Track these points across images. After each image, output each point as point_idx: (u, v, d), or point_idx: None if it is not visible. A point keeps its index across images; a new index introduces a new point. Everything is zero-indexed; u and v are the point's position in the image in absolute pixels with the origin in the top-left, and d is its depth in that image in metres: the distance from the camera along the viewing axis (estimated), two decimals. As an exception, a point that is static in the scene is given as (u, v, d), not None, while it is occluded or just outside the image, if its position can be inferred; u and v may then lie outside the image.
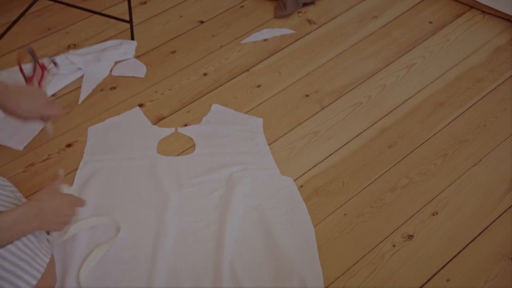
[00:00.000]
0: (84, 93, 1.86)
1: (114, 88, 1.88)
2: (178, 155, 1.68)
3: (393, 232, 1.50)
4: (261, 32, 2.07)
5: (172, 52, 2.01)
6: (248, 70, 1.95)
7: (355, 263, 1.44)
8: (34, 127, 1.73)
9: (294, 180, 1.61)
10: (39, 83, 1.51)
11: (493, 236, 1.49)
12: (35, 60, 1.51)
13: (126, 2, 2.00)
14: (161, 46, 2.04)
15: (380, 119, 1.78)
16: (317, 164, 1.66)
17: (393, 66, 1.95)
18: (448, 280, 1.41)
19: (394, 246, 1.47)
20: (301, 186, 1.60)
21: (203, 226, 1.49)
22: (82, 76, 1.91)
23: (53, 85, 1.85)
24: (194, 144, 1.70)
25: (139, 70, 1.95)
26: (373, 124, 1.76)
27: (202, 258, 1.43)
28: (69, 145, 1.71)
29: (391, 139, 1.72)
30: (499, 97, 1.84)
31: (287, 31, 2.08)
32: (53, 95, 1.85)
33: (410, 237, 1.49)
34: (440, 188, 1.59)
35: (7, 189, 1.34)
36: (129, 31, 2.05)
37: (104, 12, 2.11)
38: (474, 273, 1.42)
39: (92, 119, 1.78)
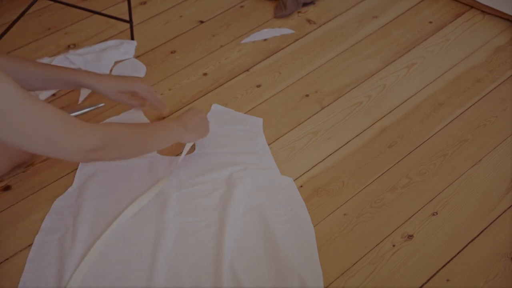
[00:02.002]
0: (84, 93, 1.86)
1: (114, 88, 1.88)
2: (178, 155, 1.68)
3: (393, 232, 1.50)
4: (261, 32, 2.07)
5: (172, 52, 2.01)
6: (248, 70, 1.95)
7: (355, 263, 1.44)
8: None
9: (294, 180, 1.61)
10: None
11: (493, 236, 1.49)
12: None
13: (126, 2, 2.00)
14: (161, 46, 2.04)
15: (380, 119, 1.78)
16: (317, 164, 1.66)
17: (393, 66, 1.95)
18: (448, 280, 1.41)
19: (394, 246, 1.47)
20: (301, 186, 1.60)
21: (203, 226, 1.49)
22: (82, 76, 1.91)
23: (53, 85, 1.85)
24: (194, 144, 1.70)
25: (139, 70, 1.95)
26: (373, 124, 1.76)
27: (202, 258, 1.43)
28: (69, 145, 1.71)
29: (391, 139, 1.72)
30: (499, 97, 1.84)
31: (287, 31, 2.08)
32: (53, 95, 1.85)
33: (410, 237, 1.49)
34: (440, 188, 1.60)
35: None
36: (129, 31, 2.05)
37: (104, 12, 2.11)
38: (474, 273, 1.42)
39: (92, 119, 1.78)
